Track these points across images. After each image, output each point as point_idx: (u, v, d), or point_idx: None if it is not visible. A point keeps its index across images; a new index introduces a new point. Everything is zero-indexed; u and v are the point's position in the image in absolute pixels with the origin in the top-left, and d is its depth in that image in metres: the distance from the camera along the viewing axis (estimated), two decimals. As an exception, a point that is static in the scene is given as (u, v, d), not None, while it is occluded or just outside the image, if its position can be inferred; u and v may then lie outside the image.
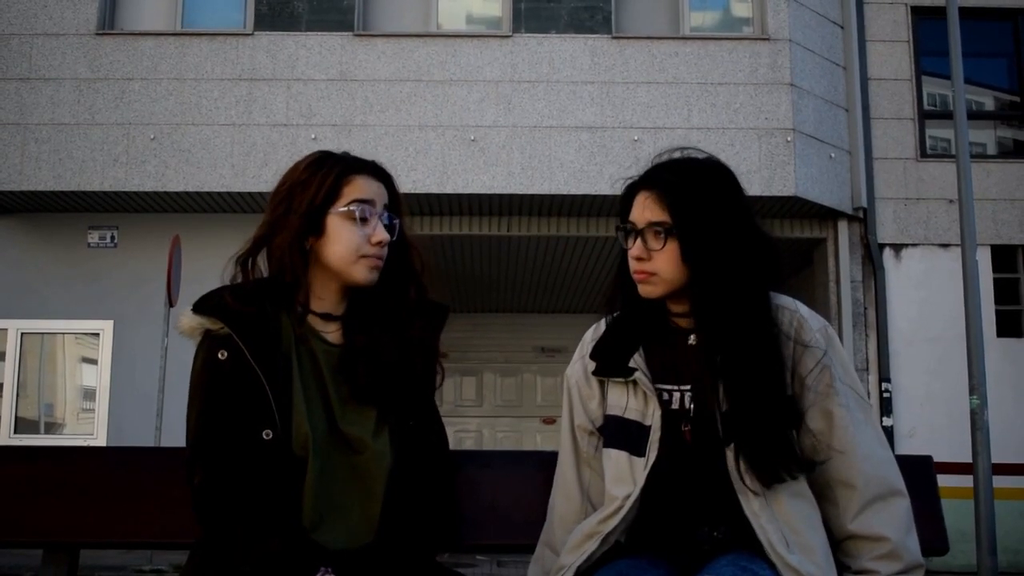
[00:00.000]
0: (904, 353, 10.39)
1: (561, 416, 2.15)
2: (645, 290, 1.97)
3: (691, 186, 1.93)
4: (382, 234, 2.00)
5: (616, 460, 1.98)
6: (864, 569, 1.86)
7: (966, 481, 7.37)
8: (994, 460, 7.38)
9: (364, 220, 1.99)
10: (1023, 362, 10.52)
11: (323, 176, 1.99)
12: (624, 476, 1.96)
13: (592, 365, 2.06)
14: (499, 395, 14.38)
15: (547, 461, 2.31)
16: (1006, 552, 8.95)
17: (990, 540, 7.04)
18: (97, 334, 10.19)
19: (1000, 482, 7.89)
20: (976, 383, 7.35)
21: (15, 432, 10.02)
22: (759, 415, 1.85)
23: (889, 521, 1.87)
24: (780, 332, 1.92)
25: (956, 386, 9.04)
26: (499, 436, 14.06)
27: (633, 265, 1.97)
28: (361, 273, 1.99)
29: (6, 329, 10.15)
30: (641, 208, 1.96)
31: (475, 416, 14.13)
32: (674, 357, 1.98)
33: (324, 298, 2.02)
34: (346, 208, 1.98)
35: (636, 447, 1.96)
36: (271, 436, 1.87)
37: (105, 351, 10.13)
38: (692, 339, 1.97)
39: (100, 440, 9.81)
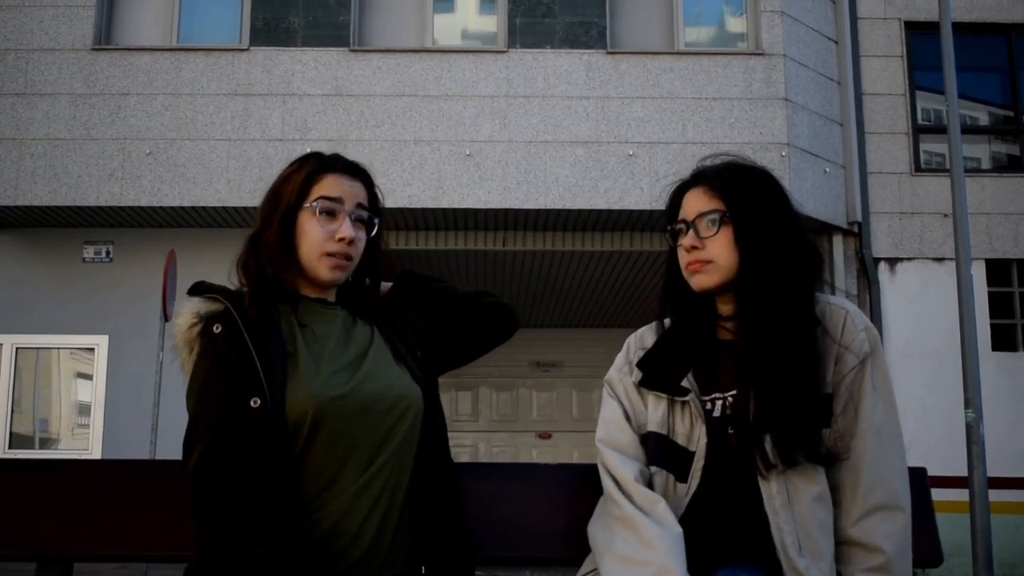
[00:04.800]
0: (899, 367, 10.39)
1: (601, 414, 2.11)
2: (700, 281, 2.00)
3: (740, 176, 2.01)
4: (346, 231, 2.01)
5: (657, 478, 1.98)
6: None
7: (962, 495, 7.36)
8: (989, 474, 7.38)
9: (331, 216, 2.02)
10: (1018, 375, 10.53)
11: (297, 175, 2.05)
12: (667, 496, 1.95)
13: (638, 375, 2.05)
14: (495, 410, 14.36)
15: (544, 474, 2.31)
16: (1002, 566, 8.95)
17: (986, 554, 7.03)
18: (92, 349, 10.17)
19: (996, 496, 7.89)
20: (971, 397, 7.35)
21: (10, 447, 9.99)
22: (789, 406, 1.87)
23: (888, 534, 1.86)
24: (826, 330, 1.94)
25: (951, 400, 9.04)
26: (495, 451, 14.04)
27: (685, 258, 2.01)
28: (324, 271, 2.02)
29: (1, 344, 10.12)
30: (692, 203, 2.02)
31: (471, 431, 14.12)
32: (719, 364, 1.99)
33: (312, 290, 2.07)
34: (310, 204, 2.02)
35: (680, 472, 1.96)
36: (258, 404, 1.85)
37: (100, 366, 10.10)
38: (731, 327, 2.00)
39: (95, 455, 9.77)
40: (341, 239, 2.00)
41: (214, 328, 1.92)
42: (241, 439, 1.84)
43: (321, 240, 2.00)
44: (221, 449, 1.84)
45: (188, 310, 1.98)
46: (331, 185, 2.04)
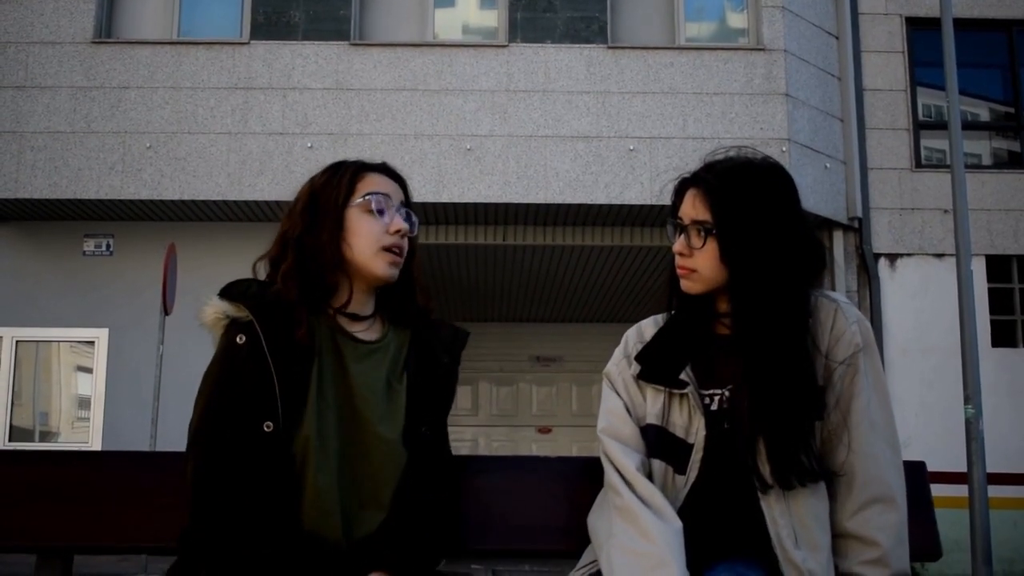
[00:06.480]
0: (899, 363, 10.40)
1: (602, 406, 2.10)
2: (685, 285, 2.01)
3: (735, 188, 1.96)
4: (400, 223, 2.02)
5: (656, 470, 1.99)
6: (852, 572, 1.88)
7: (961, 491, 7.37)
8: (989, 469, 7.39)
9: (380, 212, 2.02)
10: (1018, 371, 10.53)
11: (340, 176, 2.04)
12: (666, 488, 1.96)
13: (636, 368, 2.05)
14: (495, 404, 14.37)
15: (543, 467, 2.31)
16: (1001, 561, 8.96)
17: (985, 549, 7.04)
18: (92, 342, 10.18)
19: (995, 491, 7.89)
20: (971, 393, 7.35)
21: (10, 440, 10.00)
22: (784, 406, 1.87)
23: (884, 527, 1.88)
24: (817, 323, 1.94)
25: (951, 396, 9.05)
26: (495, 445, 14.05)
27: (676, 260, 2.01)
28: (381, 267, 2.01)
29: (1, 337, 10.13)
30: (689, 205, 2.00)
31: (470, 425, 14.13)
32: (716, 360, 2.00)
33: (353, 297, 2.04)
34: (362, 199, 2.02)
35: (678, 464, 1.96)
36: (271, 429, 1.86)
37: (100, 359, 10.11)
38: (728, 323, 2.00)
39: (95, 448, 9.77)
40: (396, 231, 2.01)
41: (238, 338, 1.92)
42: (243, 459, 1.85)
43: (377, 234, 2.00)
44: (215, 469, 1.86)
45: (215, 305, 1.97)
46: (376, 182, 2.05)
